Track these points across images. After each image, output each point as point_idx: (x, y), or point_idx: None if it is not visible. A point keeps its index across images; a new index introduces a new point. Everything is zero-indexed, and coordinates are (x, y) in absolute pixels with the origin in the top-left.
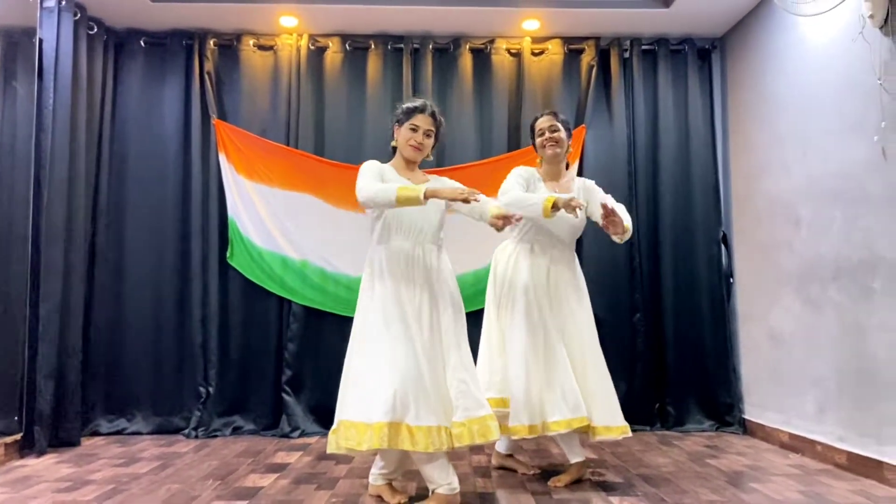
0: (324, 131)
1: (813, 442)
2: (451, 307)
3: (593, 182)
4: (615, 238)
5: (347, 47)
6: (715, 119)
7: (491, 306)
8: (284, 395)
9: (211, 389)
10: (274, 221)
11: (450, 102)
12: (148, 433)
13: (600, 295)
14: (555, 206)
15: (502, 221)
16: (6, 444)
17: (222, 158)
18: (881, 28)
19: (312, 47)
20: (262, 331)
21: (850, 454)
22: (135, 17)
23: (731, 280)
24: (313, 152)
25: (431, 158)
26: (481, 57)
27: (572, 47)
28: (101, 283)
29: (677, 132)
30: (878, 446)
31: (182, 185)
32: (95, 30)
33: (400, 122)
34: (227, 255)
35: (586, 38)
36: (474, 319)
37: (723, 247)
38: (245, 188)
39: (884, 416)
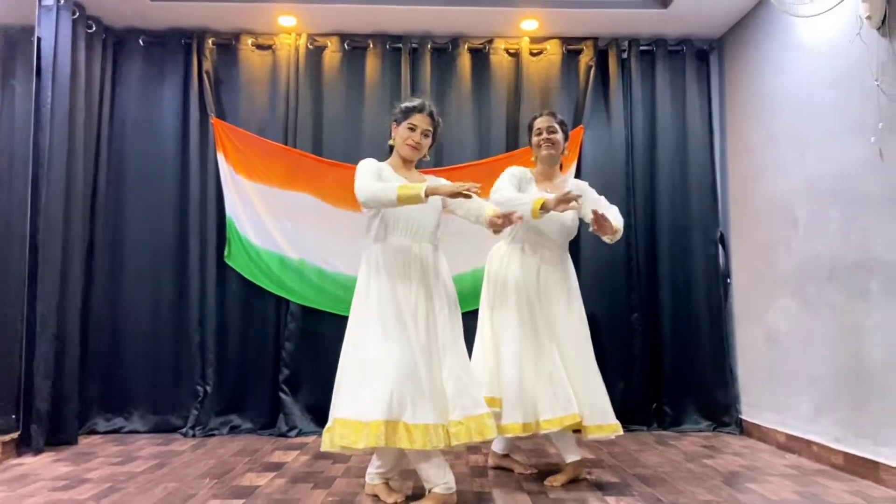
0: (322, 130)
1: (809, 442)
2: (448, 306)
3: (587, 184)
4: (605, 239)
5: (346, 47)
6: (713, 119)
7: (485, 306)
8: (282, 395)
9: (208, 388)
10: (272, 220)
11: (448, 102)
12: (145, 432)
13: (598, 295)
14: (543, 208)
15: (502, 220)
16: (3, 443)
17: (220, 158)
18: (878, 29)
19: (311, 47)
20: (260, 330)
21: (846, 455)
22: (133, 16)
23: (729, 280)
24: (312, 151)
25: (428, 158)
26: (480, 57)
27: (570, 48)
28: (99, 282)
29: (675, 133)
30: (875, 447)
31: (180, 185)
32: (94, 28)
33: (398, 121)
34: (225, 254)
35: (584, 39)
36: (472, 318)
37: (720, 247)
38: (243, 187)
39: (880, 416)
